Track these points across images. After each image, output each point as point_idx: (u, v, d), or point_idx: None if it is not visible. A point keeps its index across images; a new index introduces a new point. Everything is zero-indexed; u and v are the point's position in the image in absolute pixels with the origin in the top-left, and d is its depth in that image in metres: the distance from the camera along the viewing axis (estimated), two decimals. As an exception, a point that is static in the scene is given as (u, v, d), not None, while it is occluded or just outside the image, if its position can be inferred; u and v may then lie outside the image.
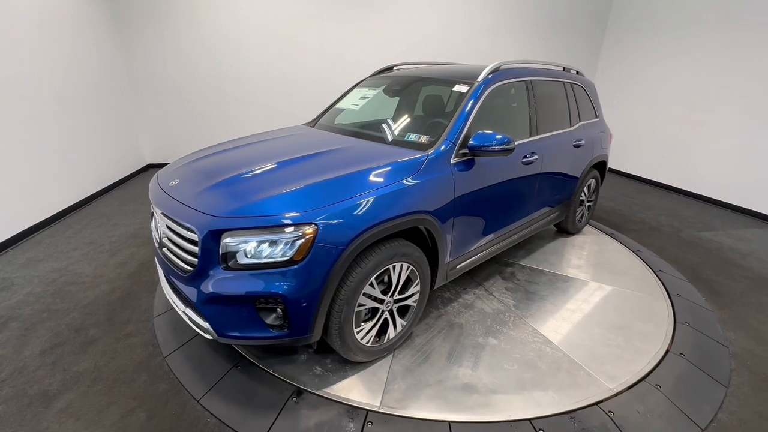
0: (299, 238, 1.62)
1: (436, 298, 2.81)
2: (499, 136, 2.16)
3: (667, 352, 2.31)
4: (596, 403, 1.93)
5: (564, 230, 3.89)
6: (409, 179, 1.99)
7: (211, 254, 1.67)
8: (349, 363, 2.15)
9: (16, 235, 3.50)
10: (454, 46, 6.29)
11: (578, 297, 2.86)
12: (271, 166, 2.09)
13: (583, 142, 3.35)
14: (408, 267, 2.06)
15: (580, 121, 3.44)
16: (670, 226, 4.42)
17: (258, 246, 1.64)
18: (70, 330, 2.40)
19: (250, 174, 2.00)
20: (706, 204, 5.27)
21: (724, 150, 5.07)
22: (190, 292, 1.77)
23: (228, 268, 1.67)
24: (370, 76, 3.42)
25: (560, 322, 2.55)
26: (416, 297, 2.21)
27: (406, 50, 6.15)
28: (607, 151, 3.86)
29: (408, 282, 2.13)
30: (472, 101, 2.39)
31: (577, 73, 3.60)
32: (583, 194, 3.72)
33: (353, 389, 1.99)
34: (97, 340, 2.32)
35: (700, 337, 2.47)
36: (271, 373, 2.05)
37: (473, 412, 1.86)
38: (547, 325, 2.52)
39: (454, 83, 2.62)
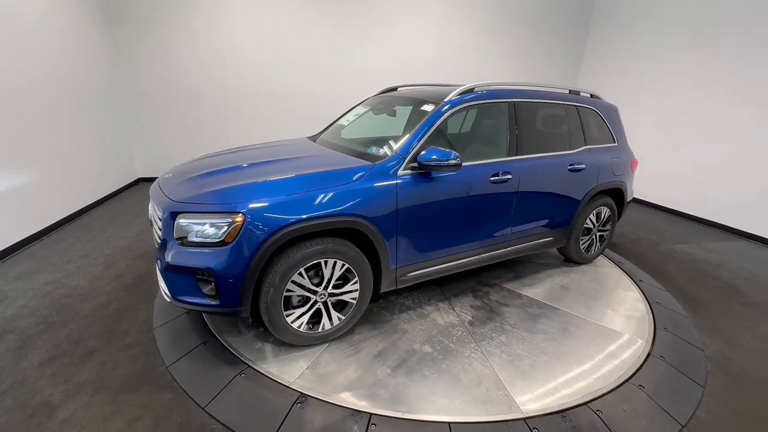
0: (230, 224, 1.95)
1: (395, 304, 2.90)
2: (453, 153, 2.31)
3: (648, 355, 2.46)
4: (503, 421, 1.91)
5: (569, 259, 3.70)
6: (343, 185, 2.20)
7: (170, 231, 2.05)
8: (286, 344, 2.36)
9: (8, 247, 3.46)
10: (452, 63, 6.61)
11: (545, 322, 2.75)
12: (238, 166, 2.49)
13: (582, 166, 3.20)
14: (342, 264, 2.25)
15: (585, 144, 3.30)
16: (649, 240, 4.66)
17: (202, 227, 1.99)
18: (68, 342, 2.40)
19: (218, 172, 2.41)
20: (682, 219, 5.57)
21: (700, 168, 5.39)
22: (158, 261, 2.18)
23: (182, 244, 2.03)
24: (374, 96, 3.61)
25: (509, 344, 2.49)
26: (355, 295, 2.37)
27: (407, 69, 6.39)
28: (622, 179, 3.56)
29: (345, 279, 2.32)
30: (431, 120, 2.53)
31: (592, 96, 3.50)
32: (589, 222, 3.51)
33: (277, 365, 2.22)
34: (97, 351, 2.33)
35: (678, 342, 2.64)
36: (274, 380, 2.11)
37: (383, 407, 1.97)
38: (492, 344, 2.47)
39: (424, 103, 2.80)
